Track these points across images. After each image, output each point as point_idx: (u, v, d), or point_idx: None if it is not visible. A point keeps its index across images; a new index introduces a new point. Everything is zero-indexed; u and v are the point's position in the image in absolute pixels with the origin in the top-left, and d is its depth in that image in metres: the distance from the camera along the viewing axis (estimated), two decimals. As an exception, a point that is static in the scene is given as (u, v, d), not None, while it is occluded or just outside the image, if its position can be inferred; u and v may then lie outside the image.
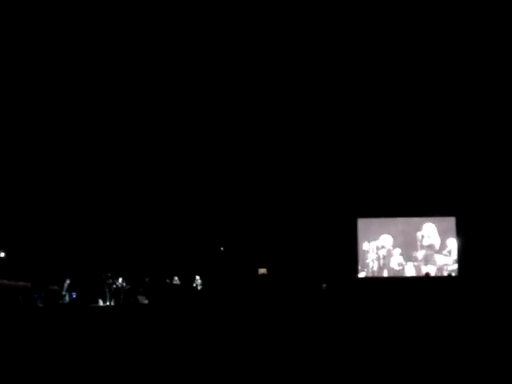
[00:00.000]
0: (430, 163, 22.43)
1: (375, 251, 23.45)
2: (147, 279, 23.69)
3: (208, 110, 21.56)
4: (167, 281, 23.56)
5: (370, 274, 23.20)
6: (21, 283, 22.83)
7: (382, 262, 23.37)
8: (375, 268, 23.35)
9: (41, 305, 21.25)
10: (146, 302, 22.48)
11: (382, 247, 23.42)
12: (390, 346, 11.93)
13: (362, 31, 18.41)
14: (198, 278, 23.49)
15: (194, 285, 23.19)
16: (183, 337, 12.82)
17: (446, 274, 22.37)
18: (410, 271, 23.06)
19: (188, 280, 23.31)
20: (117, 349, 10.92)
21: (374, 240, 23.45)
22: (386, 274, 23.20)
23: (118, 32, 17.79)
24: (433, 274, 22.20)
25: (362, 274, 23.17)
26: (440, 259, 23.03)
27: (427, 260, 23.08)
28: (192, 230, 25.62)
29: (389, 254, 23.37)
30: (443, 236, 23.11)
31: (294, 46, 18.79)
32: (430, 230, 23.23)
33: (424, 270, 22.45)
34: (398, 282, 21.70)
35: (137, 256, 25.03)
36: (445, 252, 23.07)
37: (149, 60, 18.39)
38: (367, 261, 23.38)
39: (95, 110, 19.83)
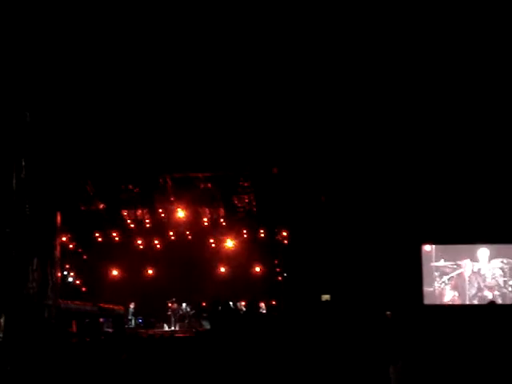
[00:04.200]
0: (497, 191, 22.09)
1: (440, 278, 23.16)
2: (211, 304, 23.86)
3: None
4: (232, 306, 23.67)
5: (435, 301, 22.89)
6: (88, 307, 23.25)
7: (447, 288, 23.07)
8: (440, 295, 23.05)
9: (108, 329, 21.60)
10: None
11: (447, 274, 23.13)
12: (454, 374, 11.79)
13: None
14: (262, 305, 23.59)
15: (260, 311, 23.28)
16: (245, 363, 12.88)
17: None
18: (476, 299, 22.71)
19: (253, 307, 23.40)
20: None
21: (439, 267, 23.18)
22: (451, 301, 22.89)
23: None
24: (499, 301, 21.76)
25: (427, 301, 22.89)
26: (506, 286, 22.66)
27: (493, 288, 22.72)
28: (257, 256, 25.78)
29: (454, 281, 23.06)
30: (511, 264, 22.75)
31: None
32: (497, 258, 22.87)
33: (490, 297, 22.08)
34: (463, 310, 21.36)
35: (201, 281, 25.26)
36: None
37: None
38: (432, 288, 23.11)
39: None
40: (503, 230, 21.99)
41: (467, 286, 23.04)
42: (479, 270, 22.98)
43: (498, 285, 22.80)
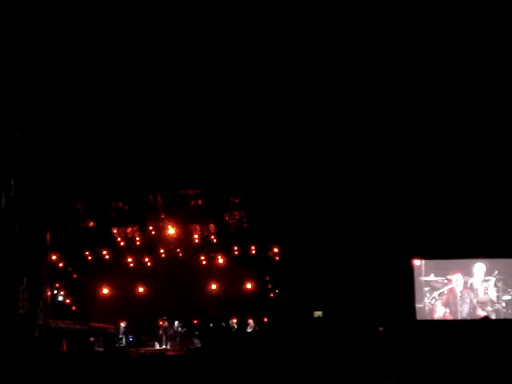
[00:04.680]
0: (489, 204, 22.14)
1: (431, 294, 23.10)
2: (203, 322, 23.85)
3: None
4: (223, 324, 23.60)
5: (428, 317, 22.83)
6: (78, 326, 23.11)
7: (438, 304, 23.02)
8: (431, 311, 22.99)
9: (99, 348, 21.47)
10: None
11: (437, 289, 23.07)
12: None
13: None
14: (251, 321, 23.58)
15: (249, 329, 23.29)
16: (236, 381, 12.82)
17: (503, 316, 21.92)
18: (468, 314, 22.65)
19: (243, 323, 23.40)
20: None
21: (429, 282, 23.13)
22: (442, 317, 22.84)
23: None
24: (492, 317, 21.70)
25: (420, 316, 22.83)
26: (500, 302, 22.62)
27: (486, 303, 22.67)
28: (249, 272, 25.75)
29: (445, 297, 23.02)
30: (505, 278, 22.68)
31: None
32: (489, 272, 22.84)
33: (482, 312, 22.07)
34: (457, 325, 21.32)
35: (193, 299, 25.20)
36: (505, 296, 22.64)
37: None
38: (422, 304, 23.05)
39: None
40: (494, 243, 22.02)
41: (459, 302, 22.95)
42: (471, 284, 22.93)
43: (491, 300, 22.74)
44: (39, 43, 16.87)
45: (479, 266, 22.82)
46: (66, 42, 17.66)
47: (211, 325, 23.56)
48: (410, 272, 23.01)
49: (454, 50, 18.58)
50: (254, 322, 24.17)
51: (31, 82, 18.07)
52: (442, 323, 22.29)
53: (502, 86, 19.37)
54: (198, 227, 25.17)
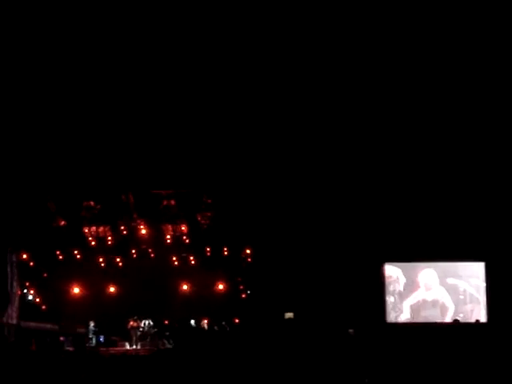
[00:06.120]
0: (460, 208, 22.34)
1: (404, 296, 23.25)
2: (172, 323, 23.82)
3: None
4: (193, 325, 23.61)
5: (398, 320, 22.97)
6: (48, 325, 22.93)
7: (410, 307, 23.17)
8: (404, 313, 23.14)
9: (69, 348, 21.30)
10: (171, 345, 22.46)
11: (410, 292, 23.22)
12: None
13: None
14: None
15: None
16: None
17: (473, 320, 22.04)
18: (436, 317, 22.83)
19: (215, 324, 23.41)
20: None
21: (402, 284, 23.28)
22: (414, 319, 22.98)
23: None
24: (461, 320, 21.83)
25: (390, 319, 22.95)
26: (468, 305, 22.81)
27: (456, 306, 22.87)
28: (218, 272, 25.71)
29: (417, 299, 23.18)
30: (472, 281, 22.90)
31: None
32: (459, 276, 23.04)
33: (452, 316, 22.26)
34: (426, 328, 21.46)
35: (164, 299, 25.12)
36: (473, 298, 22.85)
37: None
38: (395, 306, 23.19)
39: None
40: (452, 248, 22.31)
41: (422, 305, 23.16)
42: (433, 290, 23.11)
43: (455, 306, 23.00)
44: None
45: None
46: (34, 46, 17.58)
47: (177, 325, 23.61)
48: (381, 275, 23.20)
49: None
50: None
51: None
52: (412, 326, 22.46)
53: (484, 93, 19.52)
54: (170, 227, 25.08)
